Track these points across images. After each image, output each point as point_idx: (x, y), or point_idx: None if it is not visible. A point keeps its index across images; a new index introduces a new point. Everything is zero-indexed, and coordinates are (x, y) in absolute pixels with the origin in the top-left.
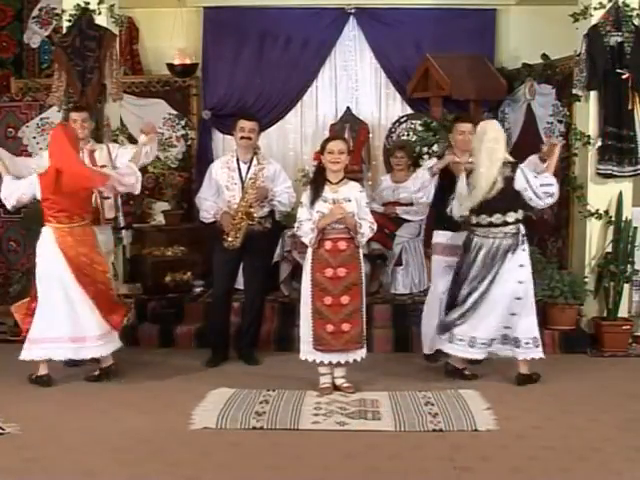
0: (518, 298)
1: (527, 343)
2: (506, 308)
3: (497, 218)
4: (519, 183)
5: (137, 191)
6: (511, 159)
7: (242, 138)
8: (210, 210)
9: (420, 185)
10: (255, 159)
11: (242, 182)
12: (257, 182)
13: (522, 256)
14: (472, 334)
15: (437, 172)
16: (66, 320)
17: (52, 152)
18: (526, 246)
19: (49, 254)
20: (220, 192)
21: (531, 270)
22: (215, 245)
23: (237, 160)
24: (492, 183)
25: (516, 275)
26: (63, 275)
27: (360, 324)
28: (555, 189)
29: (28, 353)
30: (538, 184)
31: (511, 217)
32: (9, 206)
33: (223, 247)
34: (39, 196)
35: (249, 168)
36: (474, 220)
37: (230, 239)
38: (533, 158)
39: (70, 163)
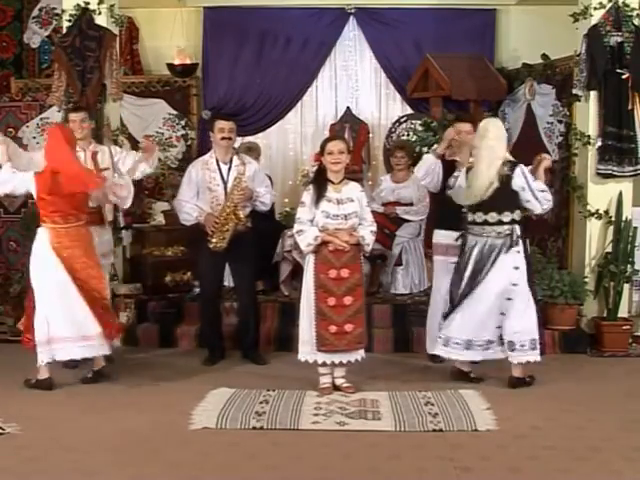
0: (509, 299)
1: (522, 345)
2: (497, 309)
3: (492, 217)
4: (517, 182)
5: (126, 206)
6: (511, 158)
7: (223, 139)
8: (192, 212)
9: (425, 170)
10: (235, 159)
11: (224, 183)
12: (241, 183)
13: (516, 258)
14: (467, 337)
15: (441, 153)
16: (65, 320)
17: (48, 152)
18: (521, 248)
19: (43, 254)
20: (200, 194)
21: (529, 272)
22: (200, 247)
23: (217, 161)
24: (489, 183)
25: (508, 276)
26: (58, 275)
27: (362, 324)
28: (550, 196)
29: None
30: (538, 187)
31: (507, 217)
32: None
33: (208, 249)
34: (34, 195)
35: (229, 168)
36: (470, 218)
37: (215, 240)
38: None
39: (66, 164)
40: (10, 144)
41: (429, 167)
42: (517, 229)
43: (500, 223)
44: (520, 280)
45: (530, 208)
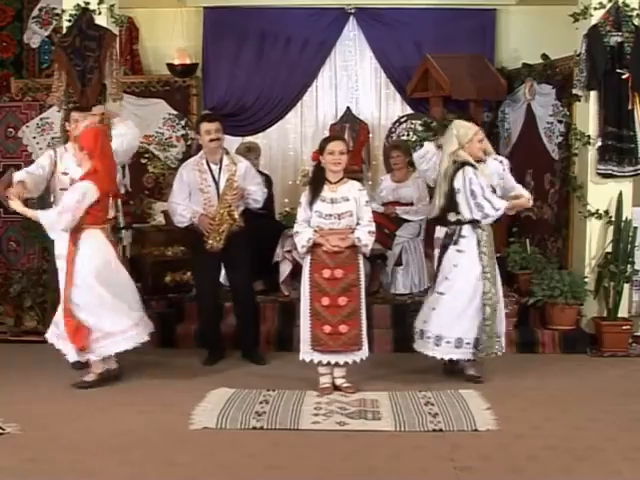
0: (440, 293)
1: (448, 342)
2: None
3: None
4: (457, 182)
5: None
6: (467, 159)
7: (211, 140)
8: (185, 214)
9: (421, 154)
10: (225, 159)
11: (216, 184)
12: (234, 184)
13: (456, 255)
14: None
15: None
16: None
17: (100, 151)
18: (462, 247)
19: (105, 253)
20: (192, 195)
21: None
22: (195, 249)
23: (207, 162)
24: (443, 175)
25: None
26: (120, 270)
27: (358, 326)
28: (494, 211)
29: (105, 349)
30: (481, 193)
31: (452, 217)
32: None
33: (203, 250)
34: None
35: (220, 169)
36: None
37: (211, 241)
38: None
39: (114, 166)
40: (26, 182)
41: (425, 152)
42: (463, 229)
43: (445, 223)
44: (453, 276)
45: (461, 211)
